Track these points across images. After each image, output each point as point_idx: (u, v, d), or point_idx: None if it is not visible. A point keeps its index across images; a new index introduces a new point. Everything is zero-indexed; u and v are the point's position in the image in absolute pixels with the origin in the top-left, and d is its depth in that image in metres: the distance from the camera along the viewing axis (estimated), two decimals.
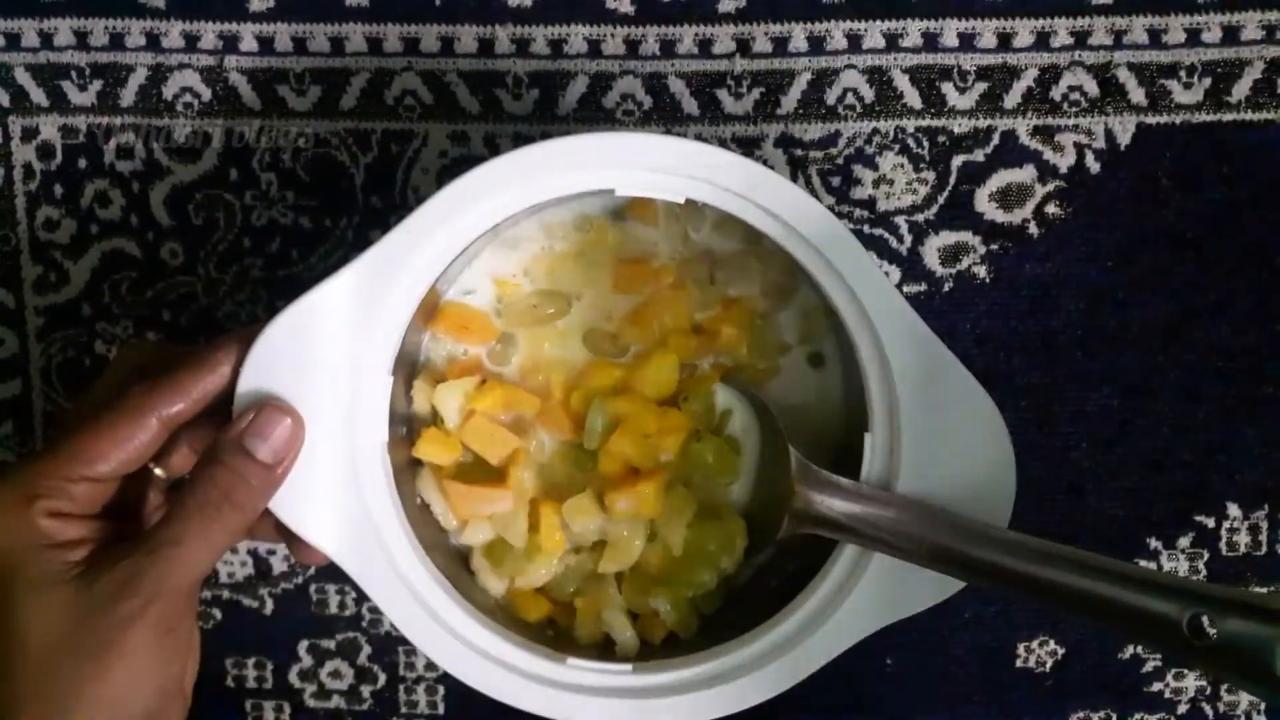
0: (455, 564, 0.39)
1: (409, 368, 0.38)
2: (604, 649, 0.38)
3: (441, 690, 0.46)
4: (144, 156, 0.43)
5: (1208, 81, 0.43)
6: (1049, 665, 0.45)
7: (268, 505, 0.33)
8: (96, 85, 0.43)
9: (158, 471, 0.36)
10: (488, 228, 0.34)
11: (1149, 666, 0.45)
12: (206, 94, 0.43)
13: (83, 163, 0.43)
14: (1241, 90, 0.43)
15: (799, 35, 0.42)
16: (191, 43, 0.43)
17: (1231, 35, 0.42)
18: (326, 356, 0.34)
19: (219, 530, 0.33)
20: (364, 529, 0.35)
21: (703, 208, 0.34)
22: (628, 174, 0.33)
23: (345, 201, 0.43)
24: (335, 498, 0.34)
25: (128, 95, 0.43)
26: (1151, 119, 0.43)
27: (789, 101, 0.43)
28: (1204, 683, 0.45)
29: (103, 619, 0.32)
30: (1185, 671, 0.45)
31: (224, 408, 0.34)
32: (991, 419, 0.33)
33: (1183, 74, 0.43)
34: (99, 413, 0.33)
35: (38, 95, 0.43)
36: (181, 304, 0.44)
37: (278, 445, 0.33)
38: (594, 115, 0.43)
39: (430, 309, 0.37)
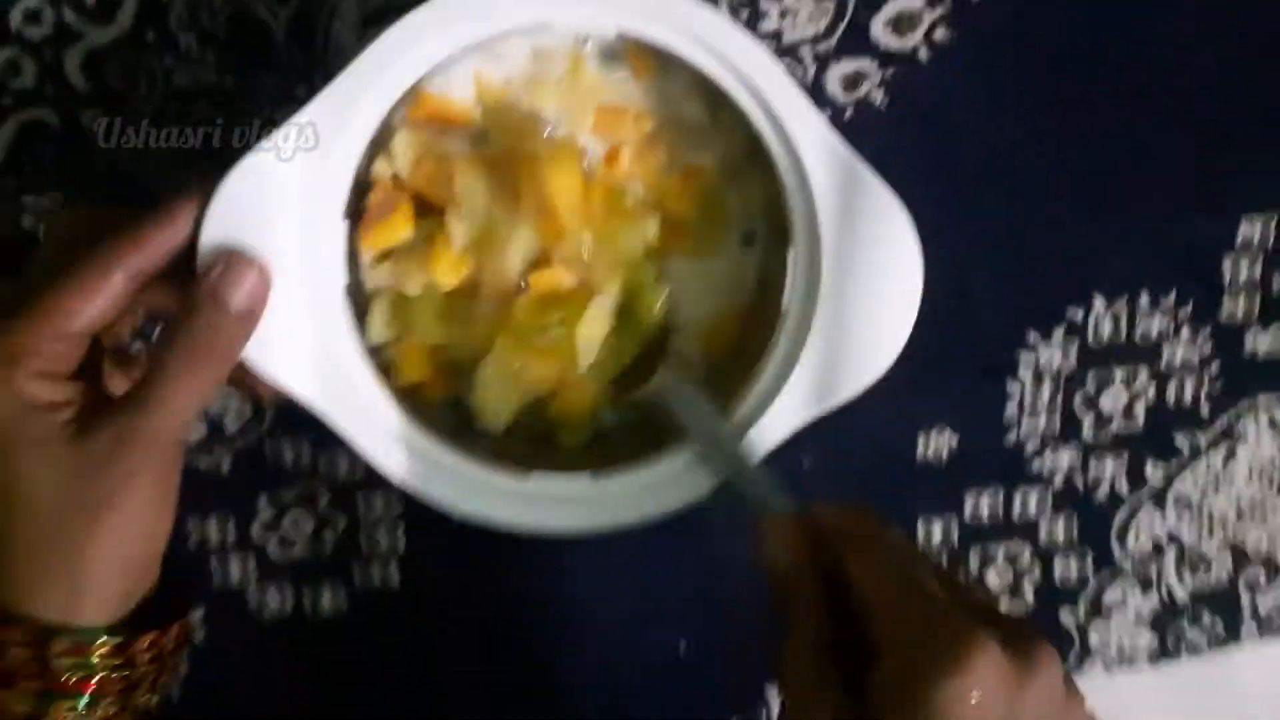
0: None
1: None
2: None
3: (401, 527, 0.49)
4: (54, 21, 0.43)
5: None
6: (944, 455, 0.51)
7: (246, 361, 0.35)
8: None
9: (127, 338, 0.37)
10: (428, 69, 0.36)
11: (1030, 447, 0.52)
12: None
13: None
14: None
15: None
16: None
17: None
18: (283, 207, 0.35)
19: (202, 379, 0.34)
20: (331, 371, 0.37)
21: (670, 63, 0.37)
22: (567, 9, 0.35)
23: (267, 58, 0.44)
24: (302, 343, 0.36)
25: None
26: None
27: None
28: (1075, 456, 0.52)
29: (103, 473, 0.33)
30: (1060, 447, 0.52)
31: (178, 266, 0.35)
32: (905, 231, 0.37)
33: None
34: (64, 272, 0.34)
35: None
36: (108, 173, 0.44)
37: (249, 294, 0.35)
38: None
39: (387, 138, 0.39)
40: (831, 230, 0.37)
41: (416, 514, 0.49)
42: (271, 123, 0.43)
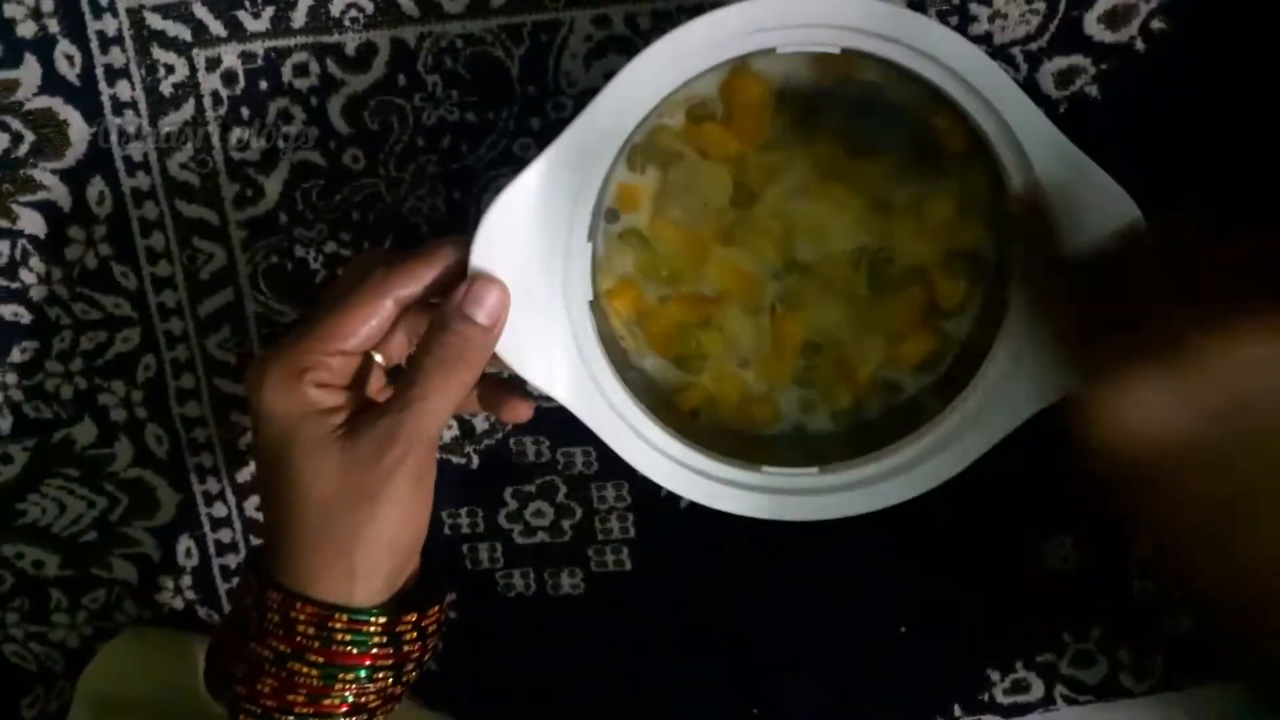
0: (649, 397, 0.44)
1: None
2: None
3: (631, 517, 0.53)
4: (318, 72, 0.47)
5: None
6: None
7: (501, 360, 0.40)
8: (269, 11, 0.47)
9: (378, 358, 0.42)
10: (663, 98, 0.38)
11: None
12: (370, 7, 0.47)
13: (263, 84, 0.48)
14: None
15: None
16: None
17: None
18: (532, 235, 0.39)
19: (455, 384, 0.38)
20: (580, 373, 0.41)
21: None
22: (787, 33, 0.38)
23: (504, 93, 0.48)
24: (555, 349, 0.40)
25: (298, 17, 0.47)
26: None
27: None
28: None
29: (370, 470, 0.38)
30: None
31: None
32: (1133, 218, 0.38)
33: None
34: (345, 297, 0.39)
35: (216, 27, 0.47)
36: (367, 204, 0.49)
37: (491, 309, 0.39)
38: None
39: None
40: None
41: (645, 504, 0.53)
42: (510, 155, 0.48)
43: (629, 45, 0.47)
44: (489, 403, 0.45)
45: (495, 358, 0.40)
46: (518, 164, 0.48)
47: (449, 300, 0.39)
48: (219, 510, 0.54)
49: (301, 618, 0.38)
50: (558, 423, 0.45)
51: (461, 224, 0.49)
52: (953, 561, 0.52)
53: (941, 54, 0.38)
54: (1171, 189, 0.47)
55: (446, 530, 0.54)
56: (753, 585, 0.53)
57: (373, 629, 0.39)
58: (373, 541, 0.38)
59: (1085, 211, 0.38)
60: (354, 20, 0.47)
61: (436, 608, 0.41)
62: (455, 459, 0.52)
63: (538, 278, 0.39)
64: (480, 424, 0.52)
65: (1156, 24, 0.46)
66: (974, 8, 0.46)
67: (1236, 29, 0.46)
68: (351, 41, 0.47)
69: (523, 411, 0.45)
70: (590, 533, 0.53)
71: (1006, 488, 0.49)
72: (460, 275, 0.39)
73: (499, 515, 0.53)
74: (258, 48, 0.47)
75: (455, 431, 0.52)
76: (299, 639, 0.38)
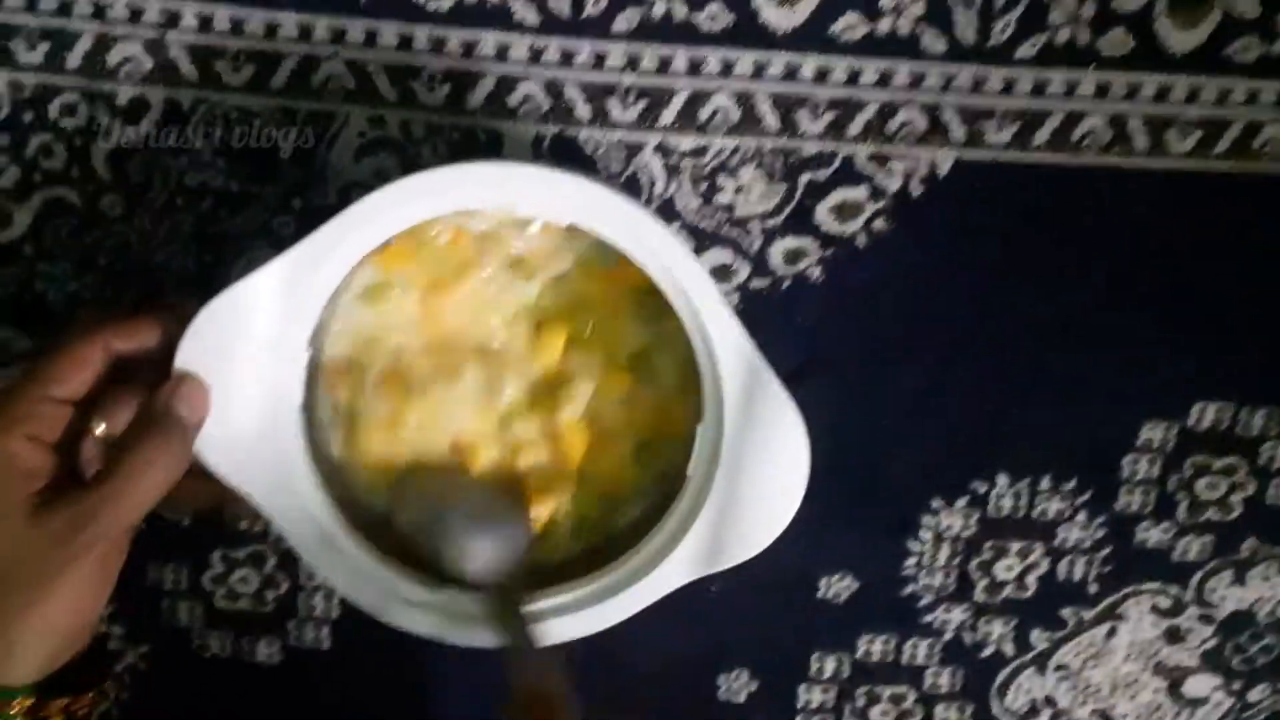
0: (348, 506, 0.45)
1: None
2: None
3: (336, 598, 0.54)
4: (86, 115, 0.48)
5: (1017, 125, 0.51)
6: (844, 597, 0.55)
7: (200, 458, 0.39)
8: (44, 47, 0.47)
9: (99, 429, 0.40)
10: (403, 229, 0.40)
11: (925, 600, 0.56)
12: (148, 64, 0.47)
13: (28, 116, 0.48)
14: (1043, 135, 0.51)
15: (681, 58, 0.49)
16: (135, 15, 0.47)
17: (1039, 89, 0.51)
18: (255, 332, 0.39)
19: (155, 479, 0.38)
20: (279, 475, 0.41)
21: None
22: (528, 197, 0.40)
23: (271, 170, 0.49)
24: (256, 450, 0.40)
25: (73, 59, 0.47)
26: (968, 154, 0.51)
27: (668, 115, 0.50)
28: (966, 615, 0.56)
29: (55, 550, 0.36)
30: (953, 605, 0.56)
31: (157, 376, 0.39)
32: (796, 428, 0.41)
33: (997, 118, 0.51)
34: (58, 342, 0.39)
35: None
36: (118, 251, 0.49)
37: (195, 409, 0.39)
38: (498, 112, 0.49)
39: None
40: (734, 416, 0.41)
41: None
42: (268, 229, 0.49)
43: (400, 148, 0.49)
44: (223, 501, 0.43)
45: None
46: (274, 239, 0.49)
47: (155, 395, 0.38)
48: None
49: None
50: None
51: (208, 287, 0.49)
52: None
53: (655, 248, 0.40)
54: (873, 369, 0.53)
55: (148, 582, 0.53)
56: (447, 680, 0.55)
57: (17, 708, 0.37)
58: (38, 622, 0.37)
59: (758, 412, 0.41)
60: (129, 74, 0.47)
61: (92, 694, 0.40)
62: (168, 514, 0.52)
63: (245, 378, 0.40)
64: None
65: (879, 224, 0.51)
66: (721, 179, 0.50)
67: (951, 239, 0.52)
68: (125, 93, 0.48)
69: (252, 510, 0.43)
70: (293, 608, 0.54)
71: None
72: (172, 349, 0.39)
73: (204, 576, 0.53)
74: (28, 79, 0.47)
75: None
76: None
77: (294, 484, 0.41)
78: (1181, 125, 0.51)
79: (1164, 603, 0.57)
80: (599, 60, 0.49)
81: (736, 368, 0.41)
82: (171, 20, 0.47)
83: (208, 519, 0.53)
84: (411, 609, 0.43)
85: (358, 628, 0.54)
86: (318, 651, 0.54)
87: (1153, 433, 0.54)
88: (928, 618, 0.56)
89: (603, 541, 0.46)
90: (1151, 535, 0.56)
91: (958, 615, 0.56)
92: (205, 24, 0.47)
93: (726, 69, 0.49)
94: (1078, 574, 0.56)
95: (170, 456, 0.38)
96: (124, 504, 0.37)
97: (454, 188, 0.39)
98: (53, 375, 0.38)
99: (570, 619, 0.43)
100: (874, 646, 0.56)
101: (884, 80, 0.50)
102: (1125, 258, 0.52)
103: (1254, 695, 0.58)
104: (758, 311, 0.51)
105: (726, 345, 0.40)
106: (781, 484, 0.41)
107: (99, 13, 0.47)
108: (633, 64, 0.49)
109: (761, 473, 0.41)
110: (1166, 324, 0.53)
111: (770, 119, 0.50)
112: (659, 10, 0.48)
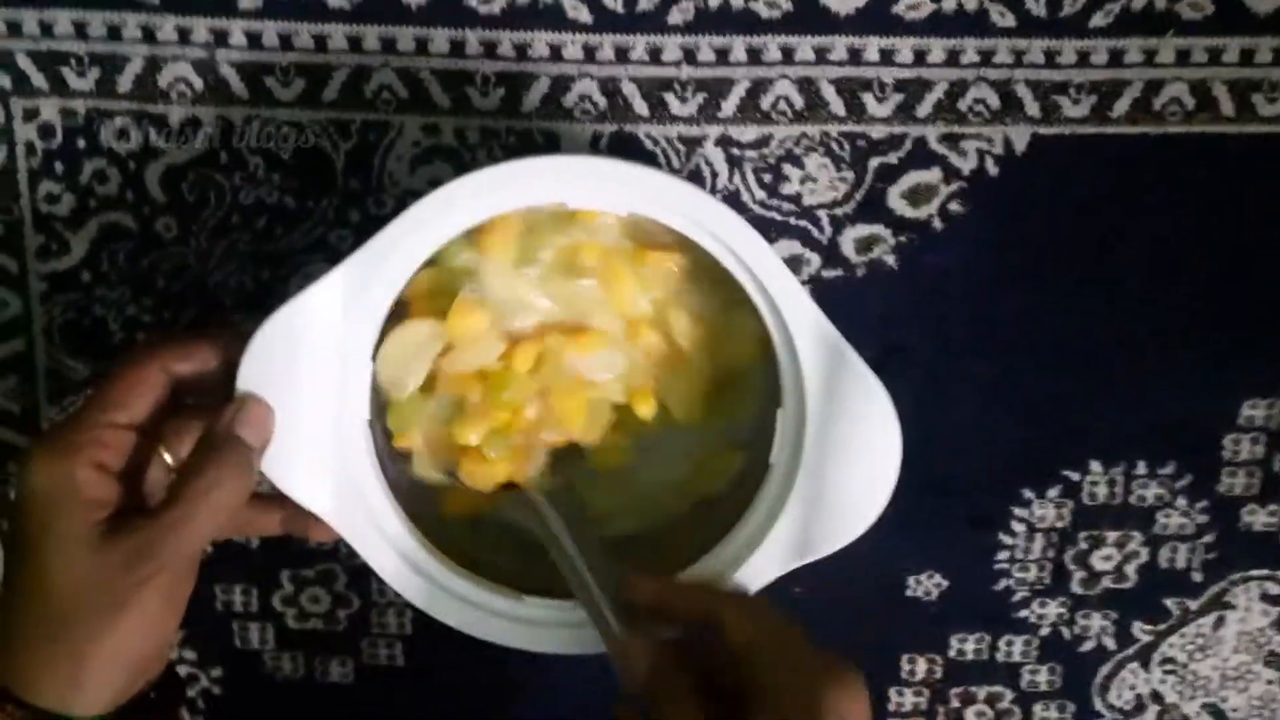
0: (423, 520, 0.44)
1: None
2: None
3: (409, 613, 0.53)
4: (140, 139, 0.47)
5: (1094, 97, 0.49)
6: (934, 595, 0.53)
7: (269, 479, 0.38)
8: (95, 73, 0.47)
9: (167, 457, 0.39)
10: (459, 232, 0.39)
11: (1018, 596, 0.53)
12: (199, 84, 0.47)
13: (81, 143, 0.47)
14: (1122, 106, 0.49)
15: (739, 47, 0.47)
16: (184, 36, 0.46)
17: (1116, 58, 0.48)
18: (317, 346, 0.38)
19: (219, 505, 0.37)
20: (350, 492, 0.40)
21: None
22: (578, 190, 0.39)
23: (326, 184, 0.48)
24: (326, 468, 0.39)
25: (124, 82, 0.47)
26: (1044, 130, 0.49)
27: (729, 106, 0.48)
28: (1064, 609, 0.54)
29: (119, 579, 0.35)
30: (1048, 600, 0.53)
31: (220, 400, 0.38)
32: (886, 412, 0.39)
33: (1072, 91, 0.49)
34: (115, 367, 0.38)
35: (38, 80, 0.47)
36: (175, 273, 0.49)
37: (258, 432, 0.38)
38: (554, 113, 0.48)
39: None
40: (817, 401, 0.40)
41: None
42: (325, 243, 0.48)
43: (455, 155, 0.48)
44: (295, 524, 0.43)
45: None
46: (331, 253, 0.49)
47: (217, 419, 0.37)
48: None
49: None
50: None
51: (266, 305, 0.48)
52: None
53: (720, 233, 0.39)
54: (954, 358, 0.50)
55: (219, 605, 0.53)
56: (524, 691, 0.53)
57: None
58: (108, 653, 0.36)
59: (843, 395, 0.39)
60: (181, 95, 0.47)
61: None
62: (235, 538, 0.52)
63: (309, 395, 0.39)
64: None
65: (954, 206, 0.49)
66: (786, 168, 0.48)
67: (1030, 218, 0.49)
68: (177, 114, 0.47)
69: (327, 532, 0.42)
70: (366, 625, 0.53)
71: None
72: (233, 369, 0.38)
73: (274, 596, 0.52)
74: (79, 105, 0.47)
75: None
76: None
77: (366, 500, 0.40)
78: (1269, 88, 0.49)
79: (1274, 589, 0.54)
80: (655, 54, 0.47)
81: (815, 348, 0.39)
82: (220, 39, 0.46)
83: (276, 539, 0.52)
84: (500, 622, 0.41)
85: (431, 643, 0.53)
86: (392, 669, 0.53)
87: (1254, 411, 0.52)
88: (1022, 613, 0.54)
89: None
90: (1258, 518, 0.53)
91: (1054, 609, 0.54)
92: (254, 41, 0.46)
93: (787, 55, 0.48)
94: (1180, 562, 0.53)
95: (235, 481, 0.37)
96: (189, 531, 0.36)
97: (510, 185, 0.38)
98: (113, 400, 0.37)
99: None
100: (966, 645, 0.54)
101: (952, 58, 0.48)
102: (1215, 228, 0.50)
103: None
104: (833, 301, 0.48)
105: (801, 324, 0.39)
106: (872, 470, 0.40)
107: (148, 35, 0.46)
108: (690, 56, 0.47)
109: (851, 457, 0.40)
110: (1264, 296, 0.50)
111: (835, 104, 0.48)
112: (715, 0, 0.47)
